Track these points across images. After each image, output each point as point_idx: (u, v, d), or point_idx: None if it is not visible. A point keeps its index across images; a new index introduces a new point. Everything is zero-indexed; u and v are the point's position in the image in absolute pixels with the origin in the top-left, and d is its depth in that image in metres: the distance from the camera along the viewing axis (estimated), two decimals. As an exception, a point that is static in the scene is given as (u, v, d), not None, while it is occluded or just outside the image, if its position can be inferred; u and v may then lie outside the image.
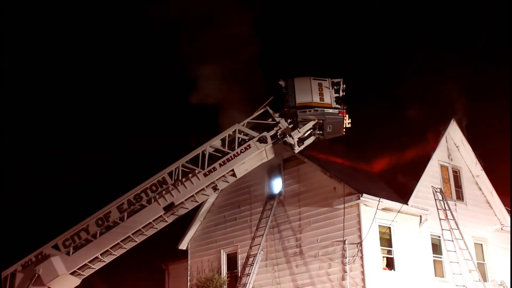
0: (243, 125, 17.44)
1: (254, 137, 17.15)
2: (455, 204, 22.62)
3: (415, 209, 20.58)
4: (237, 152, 16.99)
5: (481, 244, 23.17)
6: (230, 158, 16.94)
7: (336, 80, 17.61)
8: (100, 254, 16.66)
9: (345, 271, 19.26)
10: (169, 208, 16.75)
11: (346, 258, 19.32)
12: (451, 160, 23.43)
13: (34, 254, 16.62)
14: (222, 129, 17.84)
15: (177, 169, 16.97)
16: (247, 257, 21.22)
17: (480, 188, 24.12)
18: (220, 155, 17.13)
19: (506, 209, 24.18)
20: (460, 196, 23.29)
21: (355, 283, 18.98)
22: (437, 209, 21.48)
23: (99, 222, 16.66)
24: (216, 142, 17.32)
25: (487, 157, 24.79)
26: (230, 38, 20.70)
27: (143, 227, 16.75)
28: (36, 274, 16.03)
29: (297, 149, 17.87)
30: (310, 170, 21.26)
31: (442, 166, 23.01)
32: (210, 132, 18.14)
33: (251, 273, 20.42)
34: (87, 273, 16.98)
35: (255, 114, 17.68)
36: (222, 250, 23.57)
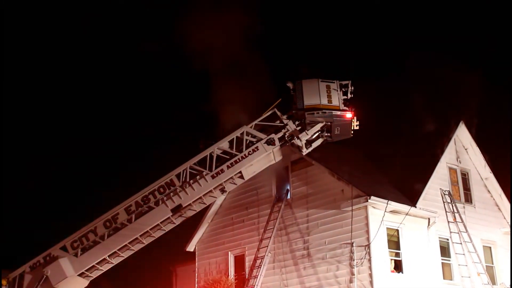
0: (251, 127, 17.41)
1: (262, 139, 17.11)
2: (464, 207, 22.54)
3: (424, 211, 20.53)
4: (245, 154, 16.96)
5: (490, 247, 23.09)
6: (238, 160, 16.91)
7: (344, 82, 17.56)
8: (108, 256, 16.65)
9: (353, 274, 19.22)
10: (176, 210, 16.73)
11: (354, 260, 19.28)
12: (460, 163, 23.36)
13: (42, 255, 16.62)
14: (229, 131, 17.82)
15: (185, 171, 16.95)
16: (255, 259, 21.22)
17: (489, 191, 24.05)
18: (228, 157, 17.11)
19: (515, 212, 24.08)
20: (468, 199, 23.21)
21: (363, 285, 18.94)
22: (446, 211, 21.43)
23: (107, 224, 16.66)
24: (224, 144, 17.30)
25: (496, 159, 24.72)
26: (238, 38, 20.70)
27: (150, 229, 16.74)
28: (44, 276, 16.04)
29: (305, 151, 17.83)
30: (318, 172, 21.24)
31: (450, 169, 22.94)
32: (218, 134, 18.14)
33: (259, 275, 20.42)
34: (95, 274, 16.98)
35: (263, 116, 17.64)
36: (229, 252, 23.58)
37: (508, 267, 23.01)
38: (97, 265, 16.72)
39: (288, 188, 22.16)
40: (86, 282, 16.96)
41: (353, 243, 19.42)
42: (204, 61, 20.42)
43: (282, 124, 17.37)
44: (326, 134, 17.57)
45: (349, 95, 17.49)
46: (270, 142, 17.05)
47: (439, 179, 22.05)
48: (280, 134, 17.22)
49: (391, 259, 19.82)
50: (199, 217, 24.23)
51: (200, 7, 21.15)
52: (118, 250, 16.72)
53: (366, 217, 19.35)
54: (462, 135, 23.54)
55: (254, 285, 20.23)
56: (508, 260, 23.20)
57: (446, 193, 21.91)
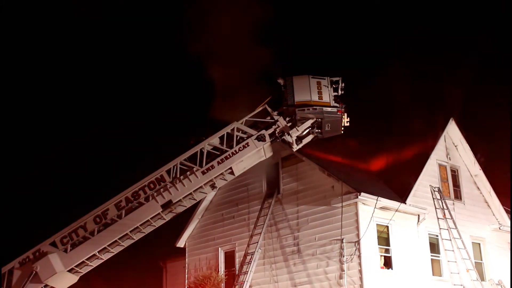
0: (241, 123, 17.40)
1: (252, 135, 17.11)
2: (453, 204, 22.63)
3: (413, 208, 20.59)
4: (235, 150, 16.96)
5: (479, 244, 23.21)
6: (228, 156, 16.91)
7: (335, 79, 17.58)
8: (98, 252, 16.63)
9: (342, 270, 19.26)
10: (167, 205, 16.72)
11: (343, 256, 19.33)
12: (450, 160, 23.44)
13: (31, 251, 16.57)
14: (220, 127, 17.80)
15: (175, 166, 16.93)
16: (245, 255, 21.22)
17: (478, 188, 24.15)
18: (219, 153, 17.10)
19: (504, 209, 24.21)
20: (458, 196, 23.31)
21: (353, 281, 18.99)
22: (435, 208, 21.50)
23: (96, 220, 16.63)
24: (214, 140, 17.29)
25: (486, 156, 24.83)
26: (230, 35, 20.68)
27: (140, 225, 16.72)
28: (34, 271, 15.99)
29: (296, 147, 17.86)
30: (308, 169, 21.26)
31: (440, 165, 23.02)
32: (208, 129, 18.11)
33: (249, 271, 20.43)
34: (84, 270, 16.95)
35: (254, 112, 17.64)
36: (219, 248, 23.57)
37: (497, 263, 23.16)
38: (86, 261, 16.68)
39: (279, 184, 22.16)
40: (75, 278, 16.92)
41: (343, 239, 19.46)
42: (198, 56, 20.44)
43: (273, 120, 17.37)
44: (317, 130, 17.60)
45: (340, 92, 17.52)
46: (261, 138, 17.05)
47: (429, 176, 22.13)
48: (270, 130, 17.22)
49: (381, 255, 19.88)
50: (190, 213, 24.22)
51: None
52: (108, 246, 16.70)
53: (356, 214, 19.39)
54: (452, 132, 23.62)
55: (244, 281, 20.23)
56: (497, 256, 23.35)
57: (436, 189, 21.98)
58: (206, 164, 16.87)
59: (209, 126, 18.63)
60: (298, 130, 17.34)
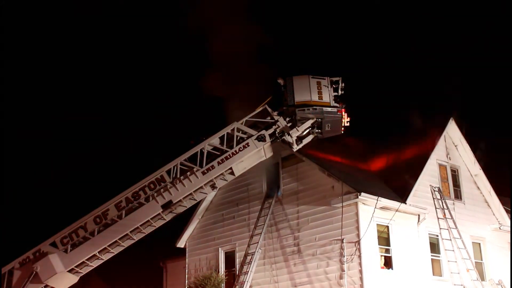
0: (241, 124, 17.42)
1: (252, 136, 17.13)
2: (453, 203, 22.62)
3: (413, 208, 20.58)
4: (235, 151, 16.98)
5: (479, 243, 23.20)
6: (228, 157, 16.92)
7: (335, 79, 17.60)
8: (98, 252, 16.64)
9: (343, 270, 19.25)
10: (167, 206, 16.74)
11: (344, 256, 19.32)
12: (450, 159, 23.44)
13: (32, 251, 16.59)
14: (220, 127, 17.81)
15: (176, 167, 16.95)
16: (245, 256, 21.22)
17: (478, 187, 24.13)
18: (219, 153, 17.12)
19: (504, 209, 24.20)
20: (458, 195, 23.30)
21: (353, 282, 18.98)
22: (435, 208, 21.49)
23: (97, 220, 16.65)
24: (214, 140, 17.30)
25: (486, 156, 24.82)
26: (232, 36, 20.67)
27: (141, 225, 16.73)
28: (34, 272, 16.00)
29: (296, 147, 17.87)
30: (308, 169, 21.25)
31: (440, 165, 23.01)
32: (209, 129, 18.13)
33: (249, 271, 20.43)
34: (84, 270, 16.97)
35: (254, 113, 17.66)
36: (220, 248, 23.56)
37: (497, 263, 23.15)
38: (87, 261, 16.70)
39: (279, 184, 22.16)
40: (76, 278, 16.94)
41: (343, 239, 19.46)
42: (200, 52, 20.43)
43: (273, 121, 17.39)
44: (317, 130, 17.62)
45: (340, 92, 17.54)
46: (261, 139, 17.07)
47: (429, 176, 22.12)
48: (270, 131, 17.24)
49: (381, 255, 19.88)
50: (190, 213, 24.21)
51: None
52: (108, 246, 16.72)
53: (356, 214, 19.38)
54: (452, 131, 23.61)
55: (245, 281, 20.23)
56: (497, 256, 23.34)
57: (436, 189, 21.97)
58: (206, 165, 16.89)
59: (208, 126, 18.66)
60: (298, 130, 17.35)
